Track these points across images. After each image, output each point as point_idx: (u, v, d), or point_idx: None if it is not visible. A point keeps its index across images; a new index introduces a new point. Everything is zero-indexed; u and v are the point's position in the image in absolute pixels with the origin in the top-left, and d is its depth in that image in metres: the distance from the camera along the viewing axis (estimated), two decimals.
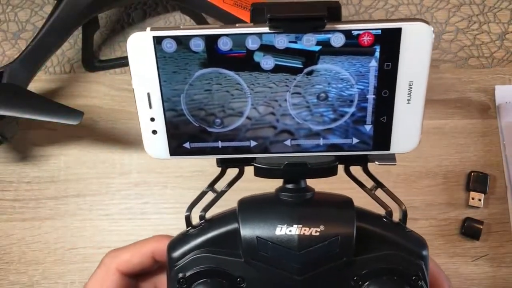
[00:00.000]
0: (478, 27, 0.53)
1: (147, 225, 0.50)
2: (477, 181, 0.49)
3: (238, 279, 0.25)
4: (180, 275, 0.25)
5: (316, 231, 0.24)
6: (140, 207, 0.50)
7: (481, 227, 0.48)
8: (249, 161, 0.26)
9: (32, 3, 0.55)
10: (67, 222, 0.50)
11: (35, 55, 0.46)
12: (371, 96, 0.24)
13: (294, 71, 0.24)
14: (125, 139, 0.52)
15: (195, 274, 0.24)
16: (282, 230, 0.24)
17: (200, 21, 0.50)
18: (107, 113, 0.52)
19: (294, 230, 0.24)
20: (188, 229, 0.27)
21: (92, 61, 0.52)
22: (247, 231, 0.24)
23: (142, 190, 0.51)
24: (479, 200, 0.49)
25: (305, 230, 0.24)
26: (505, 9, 0.54)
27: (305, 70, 0.23)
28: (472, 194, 0.49)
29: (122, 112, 0.52)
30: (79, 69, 0.53)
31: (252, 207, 0.25)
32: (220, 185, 0.27)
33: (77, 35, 0.53)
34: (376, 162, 0.26)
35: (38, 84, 0.52)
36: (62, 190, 0.51)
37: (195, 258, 0.25)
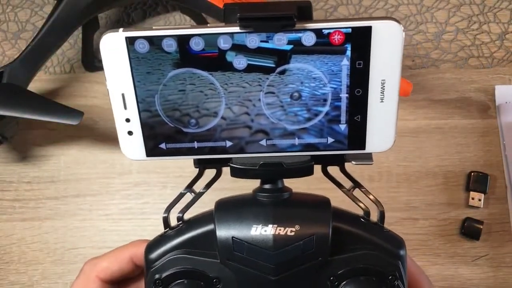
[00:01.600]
0: (478, 27, 0.53)
1: (147, 225, 0.50)
2: (477, 181, 0.49)
3: (214, 280, 0.24)
4: (157, 276, 0.25)
5: (291, 231, 0.24)
6: (140, 207, 0.50)
7: (481, 227, 0.48)
8: (225, 162, 0.26)
9: (32, 3, 0.55)
10: (67, 222, 0.50)
11: (35, 55, 0.46)
12: (344, 95, 0.24)
13: (267, 71, 0.24)
14: None
15: (172, 275, 0.24)
16: (257, 230, 0.24)
17: (200, 21, 0.50)
18: (107, 113, 0.52)
19: (269, 230, 0.24)
20: (165, 230, 0.26)
21: (92, 61, 0.52)
22: (223, 232, 0.24)
23: (142, 190, 0.51)
24: (479, 200, 0.49)
25: (280, 230, 0.24)
26: (505, 9, 0.54)
27: (278, 70, 0.24)
28: (472, 194, 0.49)
29: None
30: (79, 69, 0.53)
31: (228, 208, 0.25)
32: (200, 186, 0.27)
33: (77, 35, 0.53)
34: (352, 162, 0.26)
35: (38, 84, 0.52)
36: (62, 190, 0.51)
37: (172, 259, 0.25)
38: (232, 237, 0.24)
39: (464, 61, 0.53)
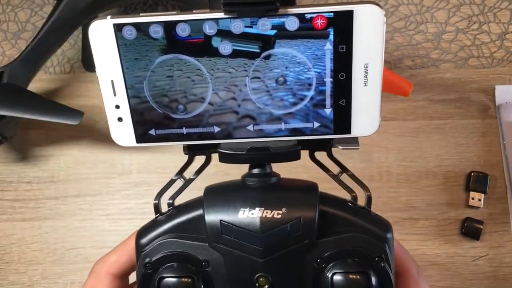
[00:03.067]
0: (478, 27, 0.53)
1: None
2: (477, 181, 0.49)
3: (203, 263, 0.25)
4: (147, 259, 0.25)
5: (278, 214, 0.24)
6: (140, 207, 0.50)
7: (481, 227, 0.48)
8: (214, 148, 0.26)
9: (32, 3, 0.55)
10: (67, 222, 0.50)
11: (35, 55, 0.46)
12: (328, 79, 0.24)
13: (252, 56, 0.24)
14: None
15: (161, 258, 0.25)
16: (245, 213, 0.24)
17: None
18: None
19: (256, 213, 0.24)
20: (156, 216, 0.27)
21: (92, 61, 0.52)
22: (211, 216, 0.25)
23: (142, 190, 0.51)
24: (479, 200, 0.49)
25: (267, 212, 0.24)
26: (505, 9, 0.54)
27: (263, 55, 0.24)
28: (472, 194, 0.49)
29: None
30: (79, 69, 0.53)
31: (216, 193, 0.26)
32: (191, 173, 0.28)
33: (77, 35, 0.53)
34: (339, 147, 0.27)
35: (38, 84, 0.52)
36: (62, 190, 0.51)
37: (162, 243, 0.25)
38: (220, 220, 0.24)
39: (464, 61, 0.53)
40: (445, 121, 0.52)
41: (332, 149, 0.27)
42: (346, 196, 0.27)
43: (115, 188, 0.51)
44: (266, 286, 0.24)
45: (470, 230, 0.48)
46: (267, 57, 0.24)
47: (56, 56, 0.53)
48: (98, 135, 0.52)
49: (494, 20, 0.54)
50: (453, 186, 0.50)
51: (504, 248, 0.49)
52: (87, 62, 0.52)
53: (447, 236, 0.49)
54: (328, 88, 0.24)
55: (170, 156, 0.51)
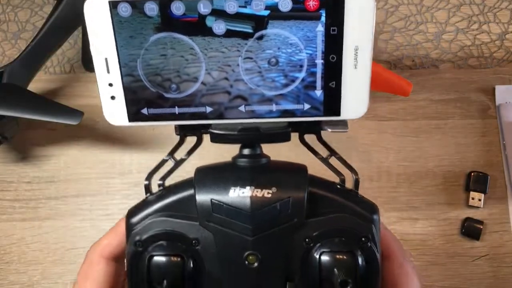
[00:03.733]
0: (478, 27, 0.53)
1: None
2: (477, 181, 0.49)
3: (193, 241, 0.25)
4: (137, 238, 0.25)
5: (268, 193, 0.24)
6: None
7: (481, 227, 0.48)
8: (206, 128, 0.27)
9: (32, 3, 0.55)
10: (67, 222, 0.50)
11: (35, 55, 0.46)
12: (319, 61, 0.25)
13: (245, 36, 0.24)
14: (125, 139, 0.52)
15: (152, 237, 0.25)
16: (235, 192, 0.25)
17: None
18: None
19: (247, 192, 0.24)
20: (146, 196, 0.27)
21: (92, 61, 0.52)
22: (202, 195, 0.25)
23: (142, 190, 0.50)
24: (479, 200, 0.49)
25: (257, 191, 0.24)
26: (505, 9, 0.54)
27: (256, 35, 0.24)
28: (472, 194, 0.49)
29: None
30: (79, 69, 0.53)
31: (207, 173, 0.26)
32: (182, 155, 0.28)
33: (77, 35, 0.53)
34: (328, 130, 0.27)
35: (38, 84, 0.52)
36: (62, 190, 0.51)
37: (152, 222, 0.25)
38: (211, 199, 0.25)
39: (464, 61, 0.53)
40: (445, 121, 0.52)
41: (323, 134, 0.28)
42: (335, 179, 0.27)
43: (115, 188, 0.51)
44: (256, 264, 0.25)
45: (470, 230, 0.48)
46: (260, 38, 0.24)
47: (56, 56, 0.53)
48: (98, 135, 0.52)
49: (494, 20, 0.54)
50: (453, 186, 0.50)
51: (504, 248, 0.49)
52: (87, 62, 0.52)
53: (447, 236, 0.49)
54: (319, 70, 0.25)
55: None
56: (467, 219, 0.49)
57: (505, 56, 0.53)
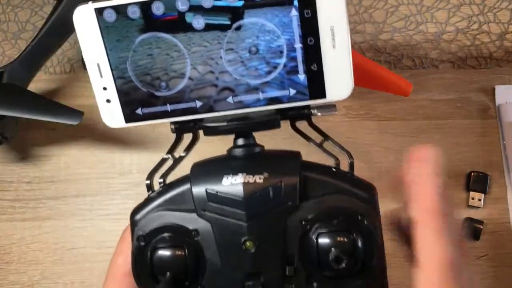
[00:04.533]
0: (478, 27, 0.53)
1: None
2: (477, 181, 0.49)
3: (193, 232, 0.25)
4: (140, 233, 0.26)
5: (260, 178, 0.25)
6: None
7: (481, 227, 0.48)
8: (199, 123, 0.28)
9: (32, 3, 0.55)
10: (67, 222, 0.50)
11: (35, 55, 0.46)
12: (298, 45, 0.25)
13: (224, 28, 0.25)
14: (125, 139, 0.52)
15: (153, 230, 0.26)
16: (228, 180, 0.25)
17: None
18: None
19: (239, 179, 0.25)
20: (149, 194, 0.28)
21: None
22: (197, 186, 0.25)
23: (142, 190, 0.50)
24: (479, 200, 0.49)
25: (249, 178, 0.25)
26: (505, 9, 0.54)
27: (234, 26, 0.25)
28: (472, 194, 0.49)
29: None
30: (79, 69, 0.53)
31: (202, 166, 0.27)
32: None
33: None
34: (318, 113, 0.27)
35: (38, 84, 0.52)
36: (62, 190, 0.51)
37: (153, 216, 0.26)
38: (206, 189, 0.25)
39: (463, 61, 0.53)
40: (445, 121, 0.52)
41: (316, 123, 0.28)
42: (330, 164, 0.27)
43: (115, 188, 0.51)
44: (253, 250, 0.25)
45: (470, 230, 0.48)
46: (238, 28, 0.25)
47: (56, 56, 0.53)
48: (98, 135, 0.52)
49: (494, 20, 0.54)
50: (453, 186, 0.50)
51: (505, 248, 0.49)
52: None
53: None
54: (299, 54, 0.25)
55: None
56: (467, 219, 0.49)
57: (505, 56, 0.53)
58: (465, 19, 0.54)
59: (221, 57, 0.25)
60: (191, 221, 0.26)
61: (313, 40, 0.25)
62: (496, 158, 0.51)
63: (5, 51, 0.54)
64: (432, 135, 0.51)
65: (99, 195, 0.51)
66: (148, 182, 0.28)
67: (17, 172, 0.51)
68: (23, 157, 0.52)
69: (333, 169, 0.27)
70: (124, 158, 0.51)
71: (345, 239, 0.24)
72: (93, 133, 0.52)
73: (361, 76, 0.46)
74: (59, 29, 0.46)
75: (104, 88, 0.27)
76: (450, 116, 0.52)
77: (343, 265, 0.24)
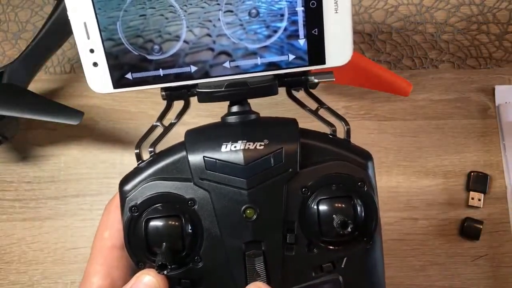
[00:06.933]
0: (477, 28, 0.54)
1: None
2: (477, 181, 0.49)
3: (189, 202, 0.25)
4: (132, 203, 0.25)
5: (260, 145, 0.24)
6: None
7: (481, 227, 0.48)
8: (192, 89, 0.26)
9: (32, 3, 0.55)
10: (67, 222, 0.50)
11: (35, 55, 0.46)
12: (300, 9, 0.24)
13: None
14: (125, 139, 0.52)
15: (147, 200, 0.25)
16: (227, 147, 0.24)
17: None
18: (107, 113, 0.52)
19: (239, 146, 0.24)
20: (138, 163, 0.27)
21: None
22: (194, 154, 0.25)
23: None
24: (479, 200, 0.49)
25: (249, 144, 0.24)
26: (504, 10, 0.54)
27: None
28: (472, 194, 0.49)
29: (122, 112, 0.52)
30: (79, 69, 0.53)
31: (198, 133, 0.26)
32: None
33: None
34: (315, 80, 0.27)
35: (38, 84, 0.52)
36: (62, 190, 0.51)
37: (146, 186, 0.25)
38: (204, 156, 0.24)
39: (463, 61, 0.53)
40: (445, 121, 0.52)
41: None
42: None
43: (116, 188, 0.51)
44: (254, 217, 0.24)
45: (470, 230, 0.48)
46: None
47: (56, 56, 0.53)
48: (98, 135, 0.52)
49: (493, 20, 0.54)
50: (453, 186, 0.50)
51: (504, 248, 0.49)
52: None
53: (447, 236, 0.49)
54: (300, 18, 0.24)
55: None
56: (467, 219, 0.49)
57: (504, 56, 0.53)
58: (465, 19, 0.54)
59: (219, 19, 0.24)
60: (187, 190, 0.25)
61: (315, 4, 0.24)
62: (496, 158, 0.51)
63: (5, 51, 0.54)
64: (432, 135, 0.51)
65: (100, 195, 0.51)
66: (137, 151, 0.27)
67: (17, 172, 0.51)
68: (23, 157, 0.52)
69: (330, 136, 0.27)
70: (124, 158, 0.51)
71: (347, 205, 0.24)
72: (93, 133, 0.52)
73: (361, 76, 0.46)
74: (59, 29, 0.46)
75: (91, 51, 0.24)
76: (450, 116, 0.52)
77: (349, 229, 0.23)
